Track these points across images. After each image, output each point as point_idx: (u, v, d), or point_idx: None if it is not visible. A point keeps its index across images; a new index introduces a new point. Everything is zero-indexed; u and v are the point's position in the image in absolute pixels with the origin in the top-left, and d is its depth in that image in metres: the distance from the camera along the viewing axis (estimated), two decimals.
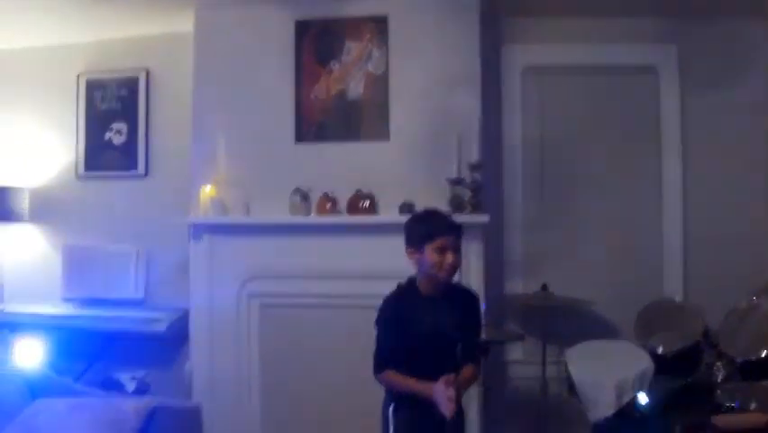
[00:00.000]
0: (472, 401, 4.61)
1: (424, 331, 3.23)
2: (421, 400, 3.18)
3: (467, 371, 3.33)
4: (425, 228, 3.28)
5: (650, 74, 5.28)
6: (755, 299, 4.61)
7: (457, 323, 3.28)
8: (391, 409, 3.31)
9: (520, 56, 5.33)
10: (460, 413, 3.38)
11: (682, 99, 5.23)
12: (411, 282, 3.36)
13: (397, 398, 3.30)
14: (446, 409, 3.08)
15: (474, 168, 4.74)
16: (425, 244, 3.24)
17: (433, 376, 3.16)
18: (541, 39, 5.32)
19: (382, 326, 3.34)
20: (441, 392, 3.11)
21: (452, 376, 3.13)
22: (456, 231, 3.28)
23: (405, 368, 3.26)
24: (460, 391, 3.21)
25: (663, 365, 4.45)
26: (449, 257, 3.22)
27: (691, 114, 5.23)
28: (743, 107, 5.18)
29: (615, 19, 5.22)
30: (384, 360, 3.33)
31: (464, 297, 3.43)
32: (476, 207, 4.71)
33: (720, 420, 3.63)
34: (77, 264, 5.63)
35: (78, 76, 5.80)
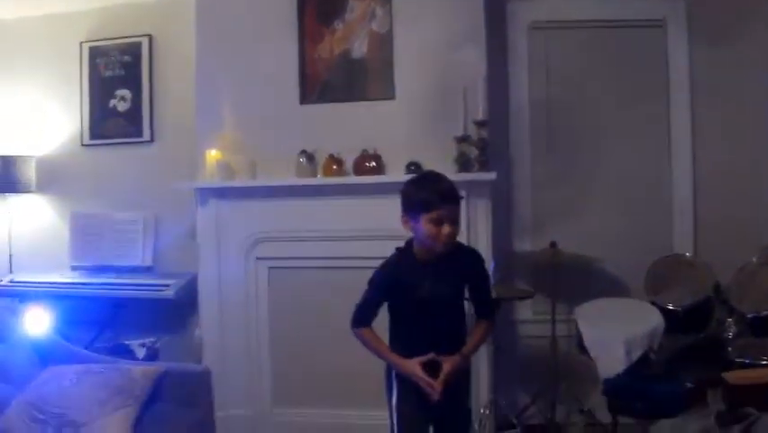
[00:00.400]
0: (482, 361, 4.61)
1: (423, 297, 3.17)
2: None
3: (479, 328, 3.34)
4: (421, 198, 3.15)
5: (658, 28, 5.21)
6: (765, 255, 4.59)
7: (460, 283, 3.27)
8: (393, 374, 3.29)
9: (525, 11, 5.26)
10: (466, 374, 3.38)
11: (690, 53, 5.16)
12: (409, 247, 3.28)
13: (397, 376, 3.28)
14: (430, 392, 3.11)
15: (480, 125, 4.70)
16: (420, 213, 3.12)
17: (437, 342, 3.17)
18: None
19: (373, 286, 3.30)
20: (416, 376, 3.14)
21: (431, 356, 3.14)
22: (454, 201, 3.15)
23: (408, 333, 3.23)
24: (454, 368, 3.18)
25: (674, 322, 4.46)
26: (446, 228, 3.10)
27: (700, 68, 5.15)
28: (752, 61, 5.10)
29: None
30: (364, 316, 3.33)
31: (467, 256, 3.33)
32: (483, 165, 4.66)
33: (731, 376, 3.60)
34: (84, 232, 5.65)
35: (81, 43, 5.78)
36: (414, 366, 3.15)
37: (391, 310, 3.30)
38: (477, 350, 3.42)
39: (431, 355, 3.14)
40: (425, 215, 3.11)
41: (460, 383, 3.30)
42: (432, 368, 3.16)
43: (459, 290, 3.30)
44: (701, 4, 5.14)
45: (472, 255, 3.38)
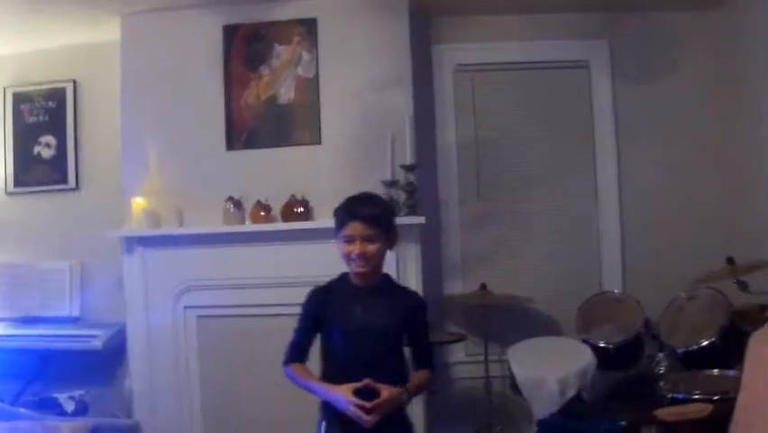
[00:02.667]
0: (417, 403, 4.58)
1: (352, 326, 3.07)
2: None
3: (421, 376, 3.21)
4: (335, 217, 3.13)
5: (582, 69, 5.31)
6: (693, 290, 4.65)
7: (397, 322, 3.12)
8: (323, 427, 3.17)
9: (451, 55, 5.30)
10: (404, 423, 3.24)
11: (614, 93, 5.27)
12: (343, 275, 3.20)
13: (327, 415, 3.15)
14: (360, 419, 2.95)
15: (408, 169, 4.70)
16: (337, 232, 3.10)
17: (365, 375, 3.00)
18: (471, 37, 5.30)
19: (300, 317, 3.22)
20: (344, 403, 2.98)
21: (367, 382, 2.98)
22: (364, 220, 3.05)
23: (337, 367, 3.10)
24: (393, 397, 3.01)
25: (606, 359, 4.49)
26: (356, 246, 3.03)
27: (623, 107, 5.27)
28: (673, 99, 5.23)
29: (544, 15, 5.23)
30: (292, 353, 3.22)
31: (409, 300, 3.23)
32: (412, 209, 4.67)
33: (664, 413, 3.62)
34: (9, 283, 5.49)
35: (5, 89, 5.65)
36: (345, 390, 2.98)
37: (322, 346, 3.18)
38: (417, 394, 3.25)
39: (366, 381, 2.97)
40: (339, 233, 3.10)
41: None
42: (368, 399, 2.99)
43: (395, 330, 3.14)
44: (623, 45, 5.26)
45: (414, 300, 3.28)
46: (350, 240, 3.05)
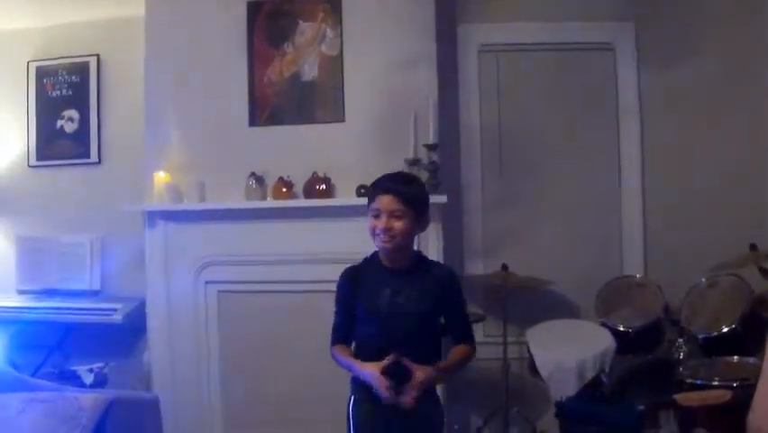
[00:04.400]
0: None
1: (382, 308, 3.02)
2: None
3: (458, 351, 3.16)
4: (368, 192, 3.10)
5: (607, 51, 5.27)
6: (715, 275, 4.63)
7: (429, 302, 3.06)
8: (351, 403, 3.15)
9: (476, 35, 5.27)
10: (433, 404, 3.18)
11: (639, 76, 5.22)
12: (375, 254, 3.16)
13: (356, 391, 3.14)
14: (383, 393, 2.93)
15: (431, 148, 4.69)
16: (367, 208, 3.08)
17: (396, 350, 2.96)
18: (497, 17, 5.28)
19: (336, 299, 3.20)
20: (374, 380, 2.95)
21: (394, 357, 2.93)
22: (391, 192, 3.01)
23: (367, 349, 3.08)
24: (426, 379, 2.96)
25: (625, 343, 4.48)
26: (381, 221, 2.99)
27: (649, 90, 5.22)
28: (699, 83, 5.18)
29: None
30: (335, 335, 3.19)
31: (439, 273, 3.16)
32: (434, 188, 4.64)
33: (683, 398, 3.61)
34: (31, 256, 5.54)
35: (28, 63, 5.68)
36: (373, 369, 2.95)
37: (355, 321, 3.16)
38: (454, 371, 3.23)
39: (393, 357, 2.92)
40: (369, 207, 3.07)
41: (427, 422, 3.12)
42: (399, 380, 2.95)
43: (425, 311, 3.07)
44: (649, 27, 5.21)
45: (445, 272, 3.20)
46: (377, 214, 3.02)
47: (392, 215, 2.99)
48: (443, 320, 3.18)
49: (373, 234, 3.05)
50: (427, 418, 3.12)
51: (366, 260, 3.19)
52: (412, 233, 3.08)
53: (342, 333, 3.18)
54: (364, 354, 3.10)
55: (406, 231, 3.03)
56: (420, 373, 2.95)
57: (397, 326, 3.02)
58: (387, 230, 2.99)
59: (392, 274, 3.09)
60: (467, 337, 3.21)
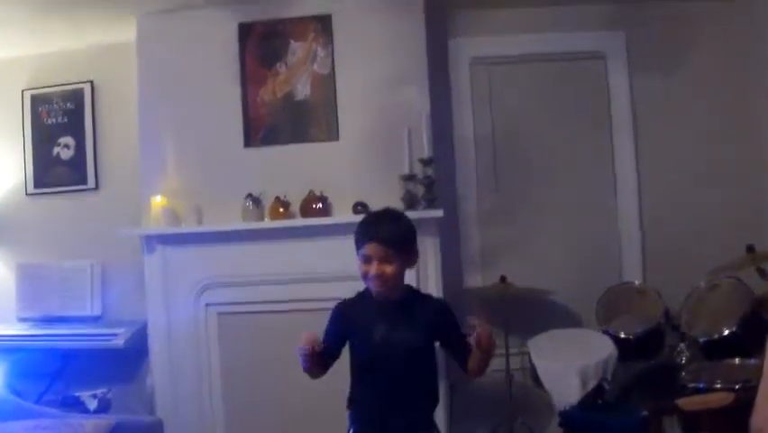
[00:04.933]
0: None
1: (377, 342, 3.03)
2: (379, 430, 3.06)
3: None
4: (355, 235, 3.10)
5: (598, 60, 5.29)
6: (713, 279, 4.63)
7: (423, 335, 3.07)
8: (350, 428, 3.16)
9: (467, 48, 5.30)
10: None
11: (631, 84, 5.25)
12: (368, 289, 3.14)
13: (353, 422, 3.15)
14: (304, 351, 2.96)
15: (426, 163, 4.71)
16: (357, 251, 3.07)
17: (398, 400, 3.02)
18: (487, 30, 5.30)
19: (329, 319, 3.20)
20: (304, 336, 2.99)
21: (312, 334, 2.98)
22: (380, 241, 3.01)
23: (364, 383, 3.10)
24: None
25: (626, 350, 4.47)
26: (373, 267, 2.99)
27: (641, 98, 5.25)
28: (691, 90, 5.21)
29: (559, 7, 5.22)
30: None
31: (430, 306, 3.17)
32: (430, 203, 4.68)
33: (686, 403, 3.61)
34: (31, 283, 5.52)
35: (23, 91, 5.68)
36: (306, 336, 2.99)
37: (351, 360, 3.14)
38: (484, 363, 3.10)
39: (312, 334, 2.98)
40: (358, 252, 3.07)
41: None
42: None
43: (422, 342, 3.09)
44: (640, 36, 5.24)
45: (436, 304, 3.23)
46: (367, 260, 3.03)
47: (382, 260, 3.00)
48: (442, 351, 3.22)
49: (365, 278, 3.06)
50: None
51: (358, 295, 3.20)
52: (403, 272, 3.09)
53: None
54: (363, 388, 3.12)
55: (398, 273, 3.05)
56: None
57: (395, 359, 3.03)
58: (378, 276, 3.01)
59: (385, 309, 3.09)
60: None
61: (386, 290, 3.05)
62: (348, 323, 3.14)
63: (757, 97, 5.18)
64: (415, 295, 3.23)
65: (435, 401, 3.21)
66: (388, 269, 3.01)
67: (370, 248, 3.01)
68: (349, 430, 3.18)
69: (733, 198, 5.15)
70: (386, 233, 3.04)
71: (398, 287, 3.11)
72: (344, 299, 3.23)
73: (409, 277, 3.24)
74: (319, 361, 3.07)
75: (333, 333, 3.17)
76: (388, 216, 3.19)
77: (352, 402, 3.17)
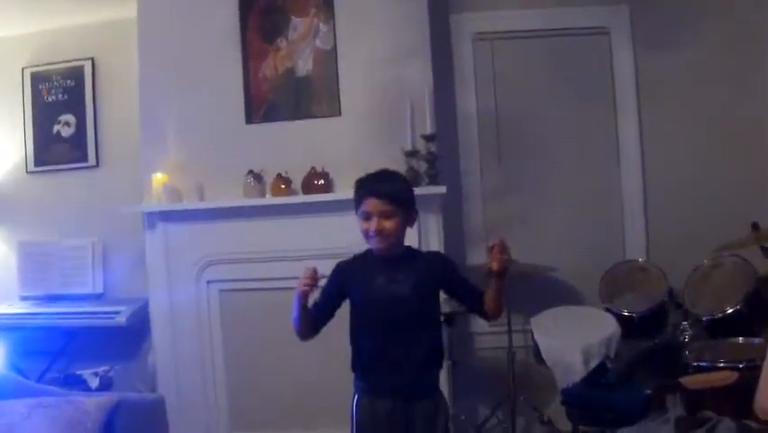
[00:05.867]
0: (440, 375, 4.59)
1: (378, 296, 3.06)
2: (385, 391, 3.07)
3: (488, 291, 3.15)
4: (354, 195, 3.14)
5: (602, 35, 5.24)
6: (717, 257, 4.62)
7: (425, 289, 3.11)
8: (354, 401, 3.16)
9: (470, 23, 5.25)
10: (436, 399, 3.18)
11: (636, 59, 5.19)
12: (367, 250, 3.17)
13: (359, 389, 3.16)
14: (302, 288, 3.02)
15: (429, 139, 4.68)
16: (357, 208, 3.10)
17: (401, 356, 3.03)
18: (490, 5, 5.26)
19: (328, 278, 3.21)
20: (303, 272, 3.04)
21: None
22: (380, 196, 3.03)
23: (365, 341, 3.11)
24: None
25: (629, 328, 4.48)
26: (373, 223, 3.02)
27: (645, 74, 5.19)
28: (695, 65, 5.15)
29: None
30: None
31: (429, 259, 3.26)
32: (433, 179, 4.65)
33: (689, 381, 3.60)
34: (32, 261, 5.54)
35: (23, 69, 5.67)
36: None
37: (351, 314, 3.16)
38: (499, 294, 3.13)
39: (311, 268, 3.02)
40: (357, 209, 3.10)
41: (430, 418, 3.13)
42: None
43: (423, 297, 3.12)
44: (644, 10, 5.18)
45: (435, 257, 3.32)
46: (367, 216, 3.05)
47: (381, 216, 3.03)
48: (446, 303, 3.34)
49: (366, 236, 3.08)
50: (430, 413, 3.12)
51: (359, 255, 3.23)
52: (404, 229, 3.12)
53: (317, 308, 3.20)
54: (365, 346, 3.12)
55: (397, 229, 3.08)
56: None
57: (396, 312, 3.05)
58: (379, 232, 3.03)
59: (385, 264, 3.11)
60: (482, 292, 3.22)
61: (387, 247, 3.07)
62: (347, 280, 3.16)
63: (763, 73, 5.13)
64: (414, 252, 3.27)
65: (441, 360, 3.22)
66: (388, 224, 3.03)
67: (370, 204, 3.04)
68: (354, 396, 3.17)
69: (738, 175, 5.11)
70: (384, 187, 3.08)
71: (399, 245, 3.13)
72: (344, 260, 3.25)
73: None
74: (313, 317, 3.14)
75: (330, 291, 3.20)
76: (386, 173, 3.21)
77: (357, 365, 3.17)
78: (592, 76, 5.26)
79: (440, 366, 3.22)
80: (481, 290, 3.20)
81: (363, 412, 3.13)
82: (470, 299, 3.23)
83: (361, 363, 3.16)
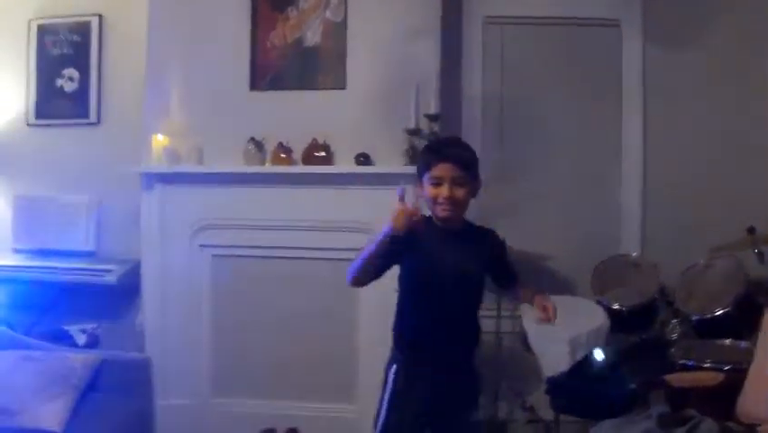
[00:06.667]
0: None
1: (435, 264, 2.96)
2: (427, 362, 3.00)
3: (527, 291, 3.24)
4: (422, 157, 3.03)
5: (614, 27, 5.22)
6: (711, 257, 4.62)
7: (479, 266, 3.05)
8: (393, 369, 3.07)
9: (481, 6, 5.21)
10: (474, 382, 3.22)
11: (645, 55, 5.16)
12: (428, 217, 3.02)
13: (400, 358, 3.08)
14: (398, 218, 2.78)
15: (432, 119, 4.68)
16: (423, 174, 2.97)
17: (446, 325, 2.98)
18: None
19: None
20: (397, 209, 2.79)
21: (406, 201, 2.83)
22: (454, 161, 2.91)
23: (412, 309, 3.06)
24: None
25: (619, 322, 4.47)
26: (444, 190, 2.89)
27: (654, 70, 5.17)
28: (704, 64, 5.13)
29: None
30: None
31: (487, 234, 3.16)
32: None
33: (674, 378, 3.63)
34: (27, 215, 5.52)
35: (29, 21, 5.62)
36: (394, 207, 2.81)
37: (401, 282, 3.08)
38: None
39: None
40: (426, 175, 2.96)
41: (467, 392, 3.16)
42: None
43: (477, 273, 3.08)
44: (657, 4, 5.15)
45: (489, 234, 3.18)
46: (437, 182, 2.93)
47: (454, 182, 2.92)
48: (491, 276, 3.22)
49: (434, 202, 2.97)
50: (467, 390, 3.16)
51: (425, 218, 3.00)
52: (469, 200, 3.02)
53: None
54: (412, 316, 3.07)
55: (467, 197, 2.99)
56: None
57: (449, 285, 2.98)
58: (450, 199, 2.92)
59: (448, 235, 3.02)
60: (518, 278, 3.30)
61: (454, 216, 2.98)
62: (412, 238, 2.88)
63: None
64: (473, 227, 3.16)
65: (479, 339, 3.20)
66: (460, 192, 2.93)
67: (443, 169, 2.91)
68: (391, 364, 3.09)
69: (739, 178, 5.09)
70: (460, 153, 2.99)
71: (462, 216, 3.07)
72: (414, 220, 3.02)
73: None
74: (385, 259, 2.94)
75: (397, 243, 2.93)
76: (457, 139, 3.21)
77: (400, 333, 3.11)
78: (600, 67, 5.23)
79: (478, 345, 3.20)
80: (517, 275, 3.24)
81: (401, 381, 3.04)
82: (508, 282, 3.26)
83: (404, 333, 3.09)
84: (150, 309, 4.97)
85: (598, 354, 4.18)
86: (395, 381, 3.06)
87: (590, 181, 5.23)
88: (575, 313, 4.50)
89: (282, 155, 4.78)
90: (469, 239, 3.07)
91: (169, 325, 4.94)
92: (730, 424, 3.18)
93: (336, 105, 4.83)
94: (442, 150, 3.02)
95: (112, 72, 5.52)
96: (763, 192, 5.02)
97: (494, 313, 4.73)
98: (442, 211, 2.96)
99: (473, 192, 3.03)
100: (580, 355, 4.21)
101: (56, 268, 5.19)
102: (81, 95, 5.55)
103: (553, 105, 5.21)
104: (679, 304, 4.52)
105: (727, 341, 4.06)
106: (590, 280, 4.83)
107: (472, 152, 3.05)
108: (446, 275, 2.98)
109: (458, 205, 2.96)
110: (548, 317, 3.03)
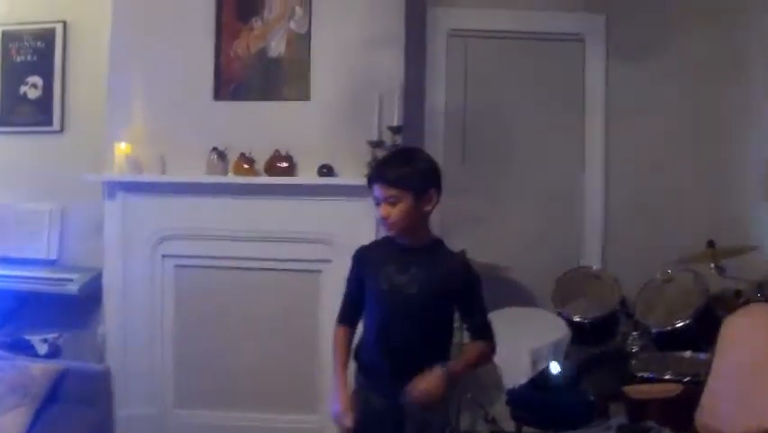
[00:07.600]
0: None
1: (385, 281, 2.89)
2: (379, 387, 2.94)
3: (473, 348, 3.01)
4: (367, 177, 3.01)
5: (577, 42, 5.27)
6: (671, 271, 4.67)
7: (439, 288, 2.89)
8: (353, 390, 3.03)
9: (446, 19, 5.24)
10: (432, 410, 2.91)
11: (608, 69, 5.24)
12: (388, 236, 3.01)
13: (359, 380, 3.06)
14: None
15: (395, 131, 4.68)
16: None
17: (389, 341, 2.91)
18: (468, 2, 5.28)
19: (346, 277, 3.08)
20: (336, 414, 2.91)
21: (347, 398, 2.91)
22: (384, 179, 2.86)
23: (372, 333, 2.97)
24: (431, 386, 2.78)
25: (579, 334, 4.52)
26: (381, 209, 2.86)
27: (616, 86, 5.24)
28: (666, 80, 5.20)
29: None
30: (342, 311, 3.10)
31: (454, 263, 3.01)
32: None
33: (633, 390, 3.65)
34: None
35: None
36: (342, 402, 2.90)
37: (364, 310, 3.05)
38: (468, 371, 3.04)
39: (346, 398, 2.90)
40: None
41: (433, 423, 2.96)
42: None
43: (430, 298, 2.89)
44: (620, 21, 5.22)
45: (459, 266, 3.03)
46: (377, 202, 2.91)
47: (387, 201, 2.86)
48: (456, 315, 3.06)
49: (378, 218, 2.96)
50: (424, 421, 2.91)
51: (379, 240, 3.11)
52: (415, 214, 2.89)
53: (346, 313, 3.09)
54: (367, 335, 3.02)
55: (405, 215, 2.86)
56: (422, 384, 2.79)
57: (398, 304, 2.90)
58: (384, 218, 2.88)
59: (401, 252, 2.96)
60: (484, 331, 3.03)
61: (397, 233, 2.93)
62: (364, 266, 3.00)
63: (730, 92, 5.18)
64: (441, 248, 3.03)
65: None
66: (393, 210, 2.85)
67: (377, 189, 2.89)
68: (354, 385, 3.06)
69: (699, 192, 5.18)
70: (388, 171, 2.91)
71: (421, 233, 2.97)
72: (364, 245, 3.12)
73: None
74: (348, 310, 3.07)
75: (352, 280, 3.06)
76: (398, 154, 3.19)
77: (357, 355, 3.06)
78: (563, 82, 5.29)
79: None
80: (485, 328, 3.03)
81: (357, 406, 2.96)
82: (469, 322, 3.06)
83: (361, 354, 3.04)
84: (112, 319, 4.92)
85: (554, 367, 4.21)
86: (355, 402, 2.98)
87: (553, 194, 5.27)
88: (536, 325, 4.56)
89: (245, 165, 4.76)
90: (429, 260, 2.94)
91: (131, 335, 4.89)
92: None
93: (300, 116, 4.82)
94: (374, 170, 3.05)
95: (76, 80, 5.48)
96: (721, 207, 5.09)
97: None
98: (385, 230, 2.98)
99: (422, 206, 2.91)
100: (540, 367, 4.25)
101: (17, 277, 5.13)
102: (45, 102, 5.51)
103: (516, 119, 5.26)
104: (639, 317, 4.57)
105: (687, 353, 4.09)
106: (552, 292, 4.85)
107: (413, 167, 2.92)
108: (390, 293, 2.92)
109: (395, 223, 2.88)
110: (412, 396, 2.80)
